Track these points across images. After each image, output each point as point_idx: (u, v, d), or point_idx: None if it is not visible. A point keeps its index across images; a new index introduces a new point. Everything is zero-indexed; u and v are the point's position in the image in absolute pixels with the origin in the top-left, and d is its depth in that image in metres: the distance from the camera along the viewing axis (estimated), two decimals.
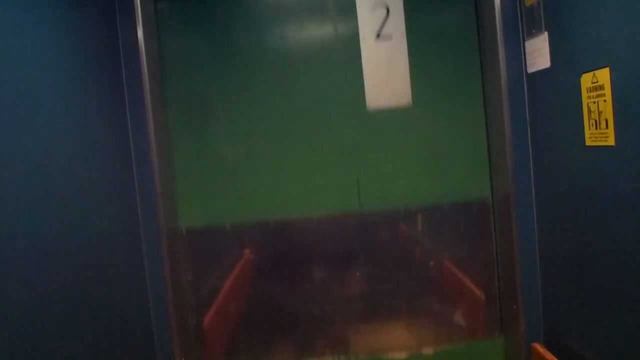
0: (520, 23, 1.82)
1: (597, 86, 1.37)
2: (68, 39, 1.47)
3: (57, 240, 1.29)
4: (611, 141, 1.33)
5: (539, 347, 1.85)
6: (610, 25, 1.30)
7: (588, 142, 1.45)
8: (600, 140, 1.38)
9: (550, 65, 1.63)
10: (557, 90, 1.61)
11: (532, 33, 1.73)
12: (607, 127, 1.34)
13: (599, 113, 1.37)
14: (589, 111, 1.42)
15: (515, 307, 1.90)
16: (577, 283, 1.60)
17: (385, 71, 2.02)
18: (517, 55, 1.83)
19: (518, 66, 1.83)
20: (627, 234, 1.31)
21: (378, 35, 2.02)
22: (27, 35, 1.24)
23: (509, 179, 1.85)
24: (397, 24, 2.01)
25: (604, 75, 1.33)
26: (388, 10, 2.01)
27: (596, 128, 1.40)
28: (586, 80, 1.42)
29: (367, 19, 2.02)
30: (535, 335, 1.89)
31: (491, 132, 2.00)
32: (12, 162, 1.13)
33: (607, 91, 1.32)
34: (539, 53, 1.69)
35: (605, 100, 1.34)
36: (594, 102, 1.39)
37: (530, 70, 1.78)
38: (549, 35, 1.63)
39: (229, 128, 2.03)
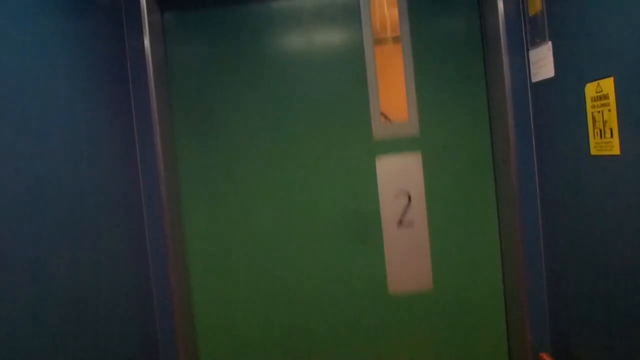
0: (524, 33, 1.83)
1: (601, 95, 1.37)
2: (77, 47, 1.48)
3: (60, 252, 1.30)
4: (616, 150, 1.33)
5: (545, 357, 1.84)
6: (614, 35, 1.30)
7: (593, 152, 1.45)
8: (606, 150, 1.38)
9: (555, 75, 1.64)
10: (561, 100, 1.62)
11: (536, 43, 1.74)
12: (612, 136, 1.35)
13: (604, 122, 1.37)
14: (594, 120, 1.42)
15: (521, 316, 1.90)
16: (583, 292, 1.60)
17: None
18: (522, 65, 1.83)
19: (522, 76, 1.83)
20: (634, 243, 1.30)
21: (400, 222, 2.07)
22: (38, 44, 1.26)
23: (514, 189, 1.85)
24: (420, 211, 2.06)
25: (608, 85, 1.33)
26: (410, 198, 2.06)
27: (601, 137, 1.40)
28: (590, 89, 1.42)
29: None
30: (542, 345, 1.88)
31: (496, 142, 2.00)
32: (18, 170, 1.14)
33: (612, 101, 1.33)
34: (543, 62, 1.70)
35: (609, 110, 1.34)
36: (599, 112, 1.39)
37: (535, 79, 1.78)
38: (553, 44, 1.63)
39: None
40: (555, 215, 1.76)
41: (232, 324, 2.08)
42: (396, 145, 2.04)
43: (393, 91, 2.13)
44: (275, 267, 2.07)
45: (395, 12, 2.05)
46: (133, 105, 1.85)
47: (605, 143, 1.38)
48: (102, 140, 1.60)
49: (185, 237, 2.04)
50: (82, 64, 1.51)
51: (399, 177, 2.05)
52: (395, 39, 2.07)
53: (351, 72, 2.04)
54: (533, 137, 1.84)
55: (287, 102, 2.04)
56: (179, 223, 1.99)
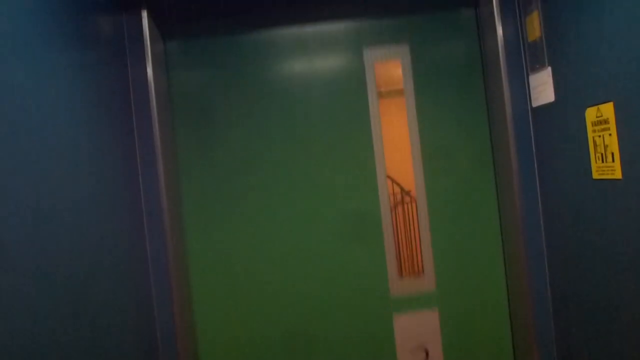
0: (523, 58, 1.85)
1: (601, 120, 1.38)
2: (79, 77, 1.50)
3: (60, 278, 1.30)
4: (618, 174, 1.34)
5: None
6: (613, 60, 1.31)
7: (595, 176, 1.45)
8: (607, 174, 1.38)
9: (555, 100, 1.65)
10: (562, 124, 1.62)
11: (535, 68, 1.76)
12: (613, 160, 1.35)
13: (605, 147, 1.38)
14: (595, 145, 1.43)
15: (528, 342, 1.88)
16: (589, 318, 1.58)
17: None
18: (522, 90, 1.84)
19: (523, 101, 1.84)
20: (637, 267, 1.30)
21: None
22: (41, 73, 1.27)
23: (518, 215, 1.85)
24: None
25: (608, 110, 1.34)
26: (427, 354, 2.09)
27: (603, 161, 1.40)
28: (591, 114, 1.43)
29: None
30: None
31: (498, 166, 2.01)
32: (22, 199, 1.15)
33: (612, 125, 1.33)
34: (543, 87, 1.71)
35: (610, 134, 1.34)
36: (600, 136, 1.40)
37: (535, 104, 1.79)
38: (552, 69, 1.65)
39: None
40: (559, 239, 1.75)
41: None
42: None
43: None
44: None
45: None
46: (136, 133, 1.87)
47: (607, 167, 1.38)
48: (105, 168, 1.61)
49: (186, 250, 2.04)
50: (84, 93, 1.52)
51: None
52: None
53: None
54: (535, 161, 1.84)
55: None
56: (180, 238, 1.99)
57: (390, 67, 2.15)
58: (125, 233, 1.71)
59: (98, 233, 1.50)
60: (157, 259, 1.87)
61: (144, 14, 1.85)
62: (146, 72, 1.86)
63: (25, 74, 1.21)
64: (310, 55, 2.07)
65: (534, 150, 1.84)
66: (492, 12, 1.86)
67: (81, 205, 1.41)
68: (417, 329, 2.06)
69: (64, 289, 1.28)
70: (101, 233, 1.52)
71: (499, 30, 1.85)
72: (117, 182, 1.68)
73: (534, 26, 1.73)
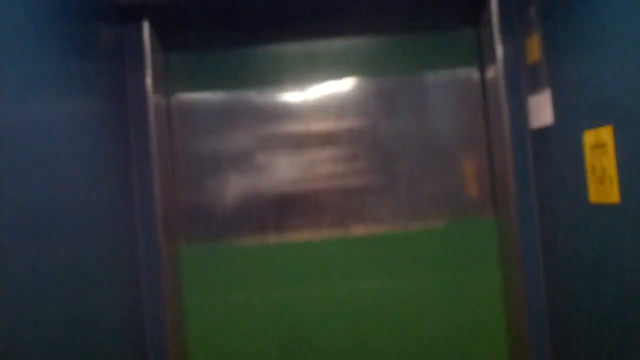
0: (523, 80, 1.85)
1: (600, 144, 1.38)
2: (77, 85, 1.50)
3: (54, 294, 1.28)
4: (615, 198, 1.33)
5: None
6: (612, 84, 1.32)
7: (593, 199, 1.45)
8: (605, 197, 1.38)
9: (554, 122, 1.65)
10: (561, 146, 1.63)
11: (535, 90, 1.76)
12: (611, 184, 1.35)
13: (603, 170, 1.38)
14: (593, 168, 1.43)
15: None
16: (586, 341, 1.57)
17: None
18: (521, 111, 1.85)
19: (522, 122, 1.85)
20: (635, 291, 1.29)
21: None
22: (39, 80, 1.27)
23: (515, 235, 1.85)
24: None
25: (606, 134, 1.34)
26: None
27: (600, 185, 1.40)
28: (589, 137, 1.43)
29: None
30: None
31: (496, 185, 2.01)
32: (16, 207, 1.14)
33: (610, 149, 1.33)
34: (541, 109, 1.72)
35: (608, 158, 1.34)
36: (597, 160, 1.40)
37: (534, 125, 1.80)
38: (551, 92, 1.66)
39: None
40: (556, 260, 1.75)
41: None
42: None
43: None
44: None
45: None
46: (132, 143, 1.86)
47: (605, 191, 1.38)
48: (99, 177, 1.60)
49: (179, 261, 2.03)
50: (80, 101, 1.52)
51: None
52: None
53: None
54: (533, 181, 1.84)
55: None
56: (174, 245, 1.98)
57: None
58: (118, 241, 1.70)
59: (89, 240, 1.49)
60: (150, 267, 1.85)
61: (146, 26, 1.86)
62: (145, 83, 1.86)
63: (22, 81, 1.20)
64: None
65: (532, 170, 1.85)
66: (492, 34, 1.87)
67: (74, 212, 1.40)
68: None
69: (58, 294, 1.26)
70: (93, 239, 1.51)
71: (499, 52, 1.86)
72: (110, 188, 1.68)
73: (534, 48, 1.74)
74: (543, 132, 1.73)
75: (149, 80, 1.86)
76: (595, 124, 1.40)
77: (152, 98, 1.86)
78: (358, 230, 2.05)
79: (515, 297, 1.90)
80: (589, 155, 1.44)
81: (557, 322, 1.76)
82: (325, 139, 2.08)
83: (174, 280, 1.94)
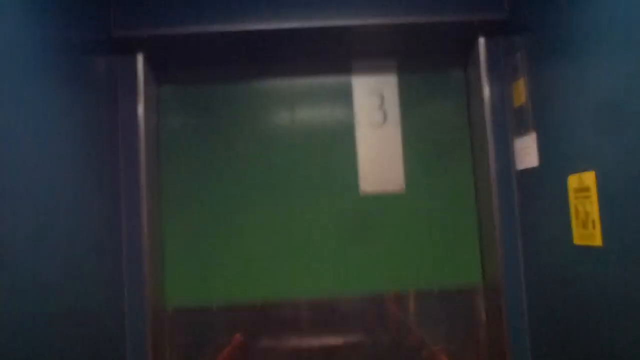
0: (509, 122, 1.89)
1: (583, 188, 1.41)
2: (69, 115, 1.51)
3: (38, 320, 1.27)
4: (598, 242, 1.36)
5: None
6: (595, 130, 1.35)
7: (576, 241, 1.47)
8: (588, 240, 1.40)
9: (539, 164, 1.68)
10: (545, 189, 1.66)
11: (520, 132, 1.80)
12: (594, 227, 1.37)
13: (586, 214, 1.40)
14: (576, 211, 1.45)
15: None
16: None
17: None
18: (507, 152, 1.89)
19: (507, 163, 1.88)
20: (617, 334, 1.30)
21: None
22: (31, 109, 1.28)
23: (500, 275, 1.86)
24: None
25: (589, 178, 1.37)
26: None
27: (583, 228, 1.42)
28: (573, 181, 1.46)
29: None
30: None
31: (483, 226, 2.03)
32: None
33: (593, 193, 1.36)
34: (527, 151, 1.75)
35: (591, 202, 1.37)
36: (581, 203, 1.42)
37: (519, 167, 1.83)
38: (537, 135, 1.69)
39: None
40: (540, 301, 1.76)
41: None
42: None
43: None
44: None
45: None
46: (122, 174, 1.87)
47: (588, 234, 1.40)
48: (87, 205, 1.59)
49: (166, 311, 2.01)
50: (72, 131, 1.53)
51: None
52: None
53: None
54: (518, 223, 1.87)
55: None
56: (160, 281, 1.97)
57: None
58: (104, 276, 1.69)
59: (77, 274, 1.47)
60: (135, 301, 1.83)
61: (139, 58, 1.89)
62: (137, 114, 1.87)
63: (18, 109, 1.21)
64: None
65: (517, 211, 1.87)
66: (480, 77, 1.92)
67: (60, 244, 1.39)
68: None
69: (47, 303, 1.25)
70: (79, 276, 1.49)
71: (486, 94, 1.90)
72: (97, 218, 1.67)
73: (520, 92, 1.79)
74: (528, 173, 1.76)
75: (140, 111, 1.88)
76: (578, 169, 1.43)
77: (144, 128, 1.87)
78: None
79: (498, 338, 1.90)
80: (573, 199, 1.47)
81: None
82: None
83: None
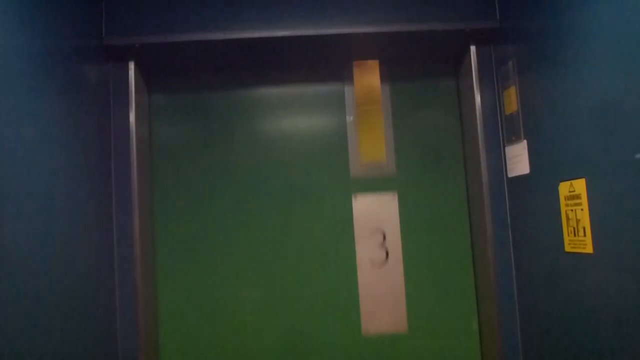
0: (500, 130, 1.90)
1: (574, 195, 1.41)
2: (63, 121, 1.50)
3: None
4: (589, 249, 1.36)
5: None
6: (586, 138, 1.36)
7: (567, 249, 1.47)
8: (579, 248, 1.41)
9: (530, 172, 1.69)
10: (536, 196, 1.66)
11: (512, 140, 1.81)
12: (585, 234, 1.38)
13: (577, 221, 1.41)
14: (567, 218, 1.46)
15: None
16: None
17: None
18: (498, 160, 1.89)
19: (499, 170, 1.89)
20: (609, 340, 1.30)
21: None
22: (26, 116, 1.27)
23: (492, 282, 1.86)
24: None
25: (580, 186, 1.38)
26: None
27: (575, 235, 1.43)
28: (564, 188, 1.47)
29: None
30: None
31: (474, 233, 2.03)
32: None
33: (584, 201, 1.37)
34: (518, 159, 1.76)
35: (582, 209, 1.38)
36: (572, 210, 1.43)
37: (511, 175, 1.83)
38: (527, 142, 1.70)
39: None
40: (531, 308, 1.76)
41: None
42: None
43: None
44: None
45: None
46: (113, 179, 1.86)
47: (579, 241, 1.41)
48: (79, 209, 1.59)
49: (156, 297, 2.00)
50: (65, 137, 1.52)
51: None
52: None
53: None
54: (510, 230, 1.87)
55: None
56: (151, 286, 1.96)
57: None
58: (95, 278, 1.68)
59: (67, 277, 1.46)
60: (127, 306, 1.82)
61: (131, 66, 1.89)
62: (128, 121, 1.87)
63: (6, 118, 1.21)
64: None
65: (509, 219, 1.87)
66: (472, 85, 1.93)
67: (52, 247, 1.38)
68: None
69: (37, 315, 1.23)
70: (70, 278, 1.48)
71: (478, 103, 1.91)
72: (90, 224, 1.66)
73: (511, 100, 1.80)
74: (520, 181, 1.77)
75: (132, 118, 1.87)
76: (569, 176, 1.43)
77: (135, 135, 1.87)
78: None
79: (491, 346, 1.90)
80: (564, 206, 1.47)
81: None
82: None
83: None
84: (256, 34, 1.82)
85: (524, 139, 1.72)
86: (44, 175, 1.36)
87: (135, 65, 1.90)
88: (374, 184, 2.10)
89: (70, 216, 1.51)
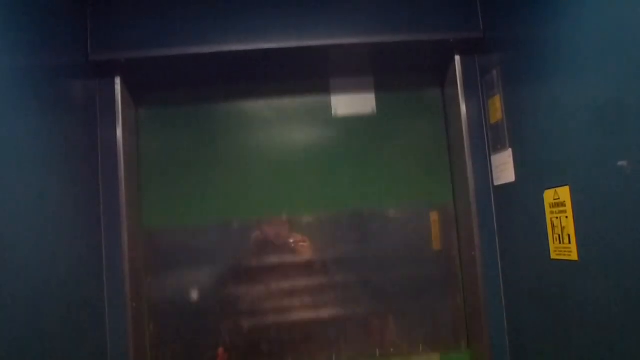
0: (486, 138, 1.92)
1: (558, 203, 1.43)
2: (48, 137, 1.50)
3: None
4: (574, 256, 1.37)
5: None
6: (569, 145, 1.37)
7: (553, 256, 1.48)
8: (565, 255, 1.42)
9: (515, 180, 1.71)
10: (522, 204, 1.67)
11: (497, 148, 1.82)
12: (570, 242, 1.39)
13: (562, 228, 1.42)
14: (553, 226, 1.47)
15: None
16: None
17: None
18: (484, 168, 1.91)
19: (485, 179, 1.90)
20: (594, 347, 1.31)
21: None
22: (9, 132, 1.27)
23: (479, 290, 1.87)
24: None
25: (564, 193, 1.39)
26: None
27: (560, 242, 1.44)
28: (549, 196, 1.48)
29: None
30: None
31: (460, 240, 2.04)
32: None
33: (569, 208, 1.38)
34: (504, 167, 1.77)
35: (567, 217, 1.39)
36: (557, 218, 1.44)
37: (497, 183, 1.85)
38: (513, 151, 1.72)
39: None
40: (519, 315, 1.77)
41: None
42: None
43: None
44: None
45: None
46: (101, 196, 1.86)
47: (564, 248, 1.42)
48: (67, 225, 1.58)
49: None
50: (51, 153, 1.52)
51: None
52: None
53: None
54: (496, 238, 1.88)
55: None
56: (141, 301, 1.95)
57: None
58: (84, 298, 1.67)
59: (56, 295, 1.46)
60: (116, 319, 1.82)
61: (118, 81, 1.89)
62: (116, 136, 1.87)
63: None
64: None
65: (495, 227, 1.89)
66: (457, 94, 1.94)
67: (39, 265, 1.38)
68: None
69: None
70: (59, 295, 1.48)
71: (463, 111, 1.93)
72: (78, 239, 1.66)
73: (496, 109, 1.81)
74: (506, 189, 1.78)
75: (119, 133, 1.87)
76: (554, 184, 1.45)
77: (123, 150, 1.87)
78: None
79: (478, 356, 1.91)
80: (549, 214, 1.49)
81: None
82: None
83: None
84: (241, 47, 1.82)
85: (509, 147, 1.73)
86: (30, 191, 1.36)
87: (122, 80, 1.90)
88: None
89: (59, 232, 1.51)
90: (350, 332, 2.04)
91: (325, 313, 2.04)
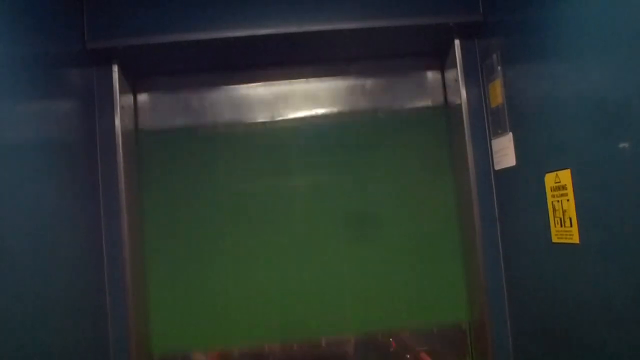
0: (486, 122, 1.91)
1: (560, 186, 1.42)
2: (46, 125, 1.50)
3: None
4: (576, 239, 1.37)
5: None
6: (570, 128, 1.37)
7: (554, 239, 1.48)
8: (566, 238, 1.42)
9: (516, 164, 1.70)
10: (523, 188, 1.67)
11: (497, 133, 1.82)
12: (571, 225, 1.39)
13: (563, 212, 1.42)
14: (554, 209, 1.47)
15: None
16: None
17: None
18: (485, 153, 1.90)
19: (486, 163, 1.90)
20: (596, 331, 1.31)
21: None
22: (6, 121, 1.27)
23: (481, 274, 1.87)
24: None
25: (565, 176, 1.39)
26: None
27: (561, 226, 1.44)
28: (550, 179, 1.48)
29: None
30: None
31: (461, 225, 2.04)
32: None
33: (570, 191, 1.38)
34: (504, 152, 1.77)
35: (568, 200, 1.39)
36: (558, 201, 1.44)
37: (497, 167, 1.84)
38: (513, 135, 1.71)
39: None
40: (521, 299, 1.77)
41: None
42: None
43: None
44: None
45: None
46: (101, 183, 1.86)
47: (565, 232, 1.42)
48: (66, 215, 1.58)
49: (147, 304, 2.00)
50: (49, 142, 1.51)
51: None
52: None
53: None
54: (497, 223, 1.88)
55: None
56: (142, 291, 1.96)
57: None
58: (84, 285, 1.67)
59: (55, 286, 1.46)
60: (117, 314, 1.82)
61: (115, 68, 1.88)
62: (114, 123, 1.86)
63: None
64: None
65: (496, 211, 1.89)
66: (457, 79, 1.93)
67: (39, 252, 1.38)
68: None
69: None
70: (59, 286, 1.48)
71: (463, 96, 1.92)
72: (78, 231, 1.66)
73: (496, 93, 1.80)
74: (506, 173, 1.78)
75: (118, 120, 1.87)
76: (555, 167, 1.44)
77: (121, 137, 1.86)
78: None
79: (480, 339, 1.91)
80: (550, 197, 1.48)
81: (522, 356, 1.78)
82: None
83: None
84: (239, 33, 1.81)
85: (510, 131, 1.73)
86: (28, 180, 1.35)
87: (119, 67, 1.89)
88: None
89: (58, 221, 1.51)
90: None
91: None
